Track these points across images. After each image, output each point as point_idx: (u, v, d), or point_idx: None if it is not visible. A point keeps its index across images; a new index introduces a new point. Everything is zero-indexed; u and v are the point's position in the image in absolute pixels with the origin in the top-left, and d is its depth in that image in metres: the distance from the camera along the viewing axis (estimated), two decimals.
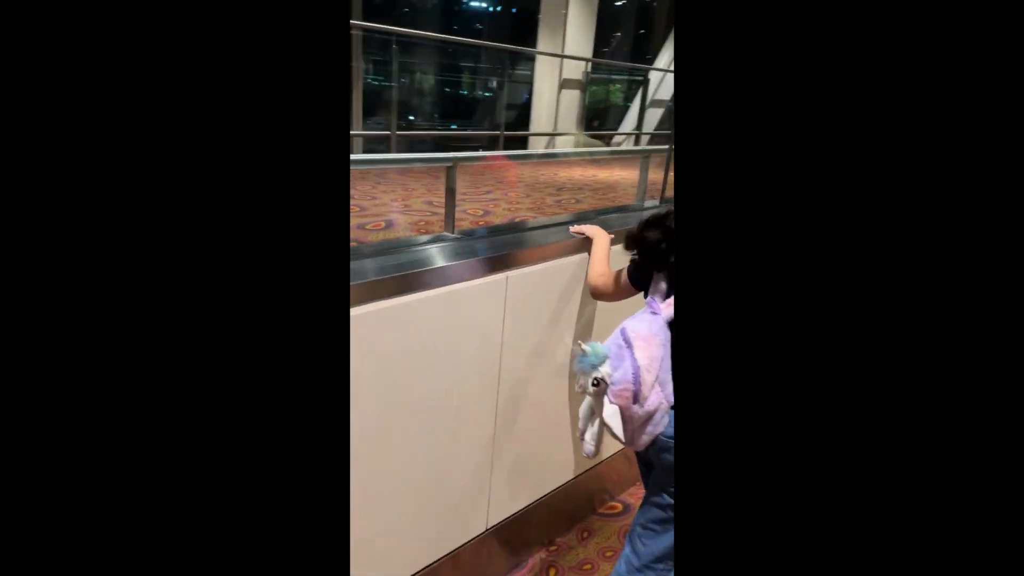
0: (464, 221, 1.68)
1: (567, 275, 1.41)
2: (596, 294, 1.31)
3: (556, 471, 1.63)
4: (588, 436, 1.08)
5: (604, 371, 0.98)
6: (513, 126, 6.14)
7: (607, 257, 1.35)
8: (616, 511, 1.83)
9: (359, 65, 4.29)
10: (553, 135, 5.38)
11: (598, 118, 6.69)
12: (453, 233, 1.34)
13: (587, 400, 1.07)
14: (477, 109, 6.90)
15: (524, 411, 1.42)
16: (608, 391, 0.99)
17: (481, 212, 1.87)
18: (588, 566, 1.59)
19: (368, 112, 4.68)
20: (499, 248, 1.28)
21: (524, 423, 1.44)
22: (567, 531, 1.72)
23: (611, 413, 0.99)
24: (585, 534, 1.72)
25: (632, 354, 0.97)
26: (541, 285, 1.35)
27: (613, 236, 1.44)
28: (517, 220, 1.81)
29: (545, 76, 5.45)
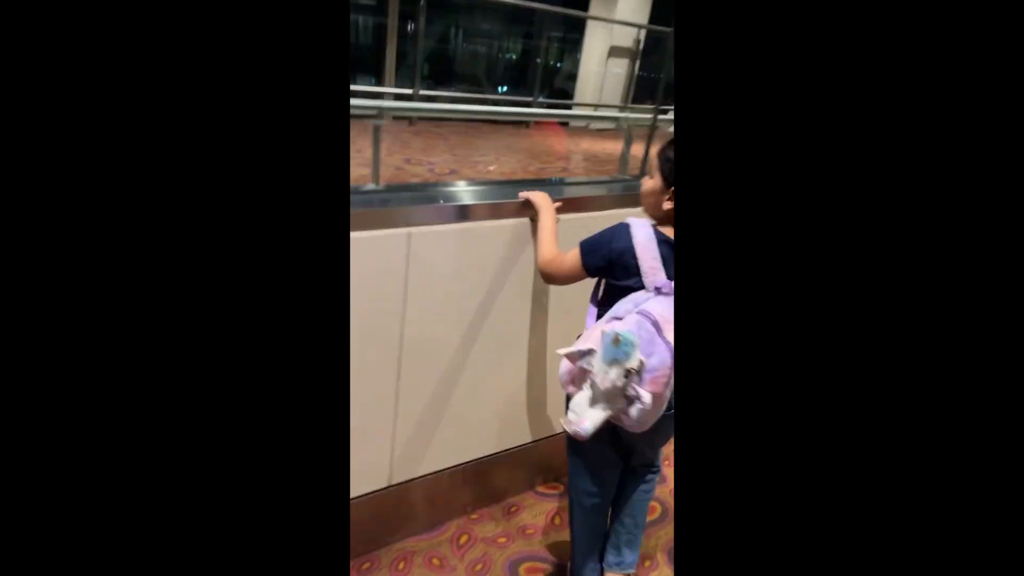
0: (418, 177, 1.64)
1: (495, 239, 1.34)
2: (549, 278, 1.24)
3: (484, 439, 1.60)
4: (590, 425, 0.98)
5: (639, 358, 0.92)
6: (562, 94, 5.95)
7: (554, 235, 1.26)
8: (557, 492, 1.78)
9: (393, 23, 4.27)
10: (589, 106, 5.16)
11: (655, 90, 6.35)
12: (377, 185, 1.31)
13: (585, 392, 0.98)
14: (526, 76, 6.73)
15: (436, 373, 1.39)
16: (642, 380, 0.93)
17: (448, 171, 1.82)
18: (503, 539, 1.56)
19: (399, 71, 4.68)
20: (417, 204, 1.23)
21: (437, 386, 1.41)
22: (495, 502, 1.69)
23: (649, 400, 0.93)
24: (513, 509, 1.69)
25: (664, 338, 0.93)
26: (459, 246, 1.29)
27: (560, 204, 1.35)
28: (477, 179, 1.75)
29: (595, 44, 5.21)
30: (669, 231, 1.04)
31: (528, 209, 1.35)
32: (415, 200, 1.24)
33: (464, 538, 1.56)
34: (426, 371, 1.37)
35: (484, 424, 1.57)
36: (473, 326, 1.40)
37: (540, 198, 1.33)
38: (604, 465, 1.23)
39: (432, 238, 1.23)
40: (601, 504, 1.27)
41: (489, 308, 1.41)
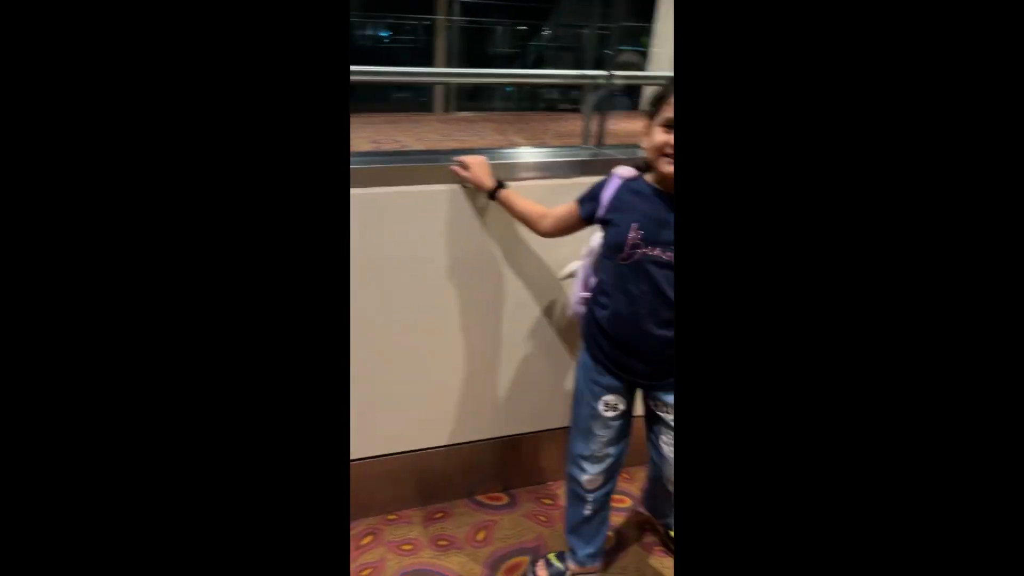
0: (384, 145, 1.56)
1: (421, 204, 1.22)
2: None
3: (422, 430, 1.47)
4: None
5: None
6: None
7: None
8: (498, 503, 1.60)
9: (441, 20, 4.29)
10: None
11: None
12: None
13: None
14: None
15: (371, 351, 1.29)
16: None
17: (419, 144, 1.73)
18: (408, 547, 1.43)
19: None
20: None
21: (373, 363, 1.31)
22: (420, 504, 1.55)
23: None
24: (439, 515, 1.54)
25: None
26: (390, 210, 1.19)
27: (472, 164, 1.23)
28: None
29: (666, 29, 4.83)
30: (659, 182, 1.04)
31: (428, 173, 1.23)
32: None
33: (368, 539, 1.44)
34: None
35: (422, 412, 1.44)
36: (412, 306, 1.29)
37: (475, 162, 1.24)
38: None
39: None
40: None
41: (436, 288, 1.29)
